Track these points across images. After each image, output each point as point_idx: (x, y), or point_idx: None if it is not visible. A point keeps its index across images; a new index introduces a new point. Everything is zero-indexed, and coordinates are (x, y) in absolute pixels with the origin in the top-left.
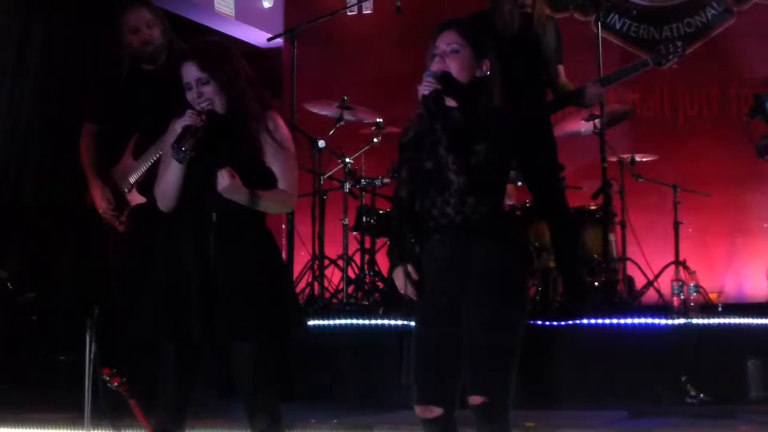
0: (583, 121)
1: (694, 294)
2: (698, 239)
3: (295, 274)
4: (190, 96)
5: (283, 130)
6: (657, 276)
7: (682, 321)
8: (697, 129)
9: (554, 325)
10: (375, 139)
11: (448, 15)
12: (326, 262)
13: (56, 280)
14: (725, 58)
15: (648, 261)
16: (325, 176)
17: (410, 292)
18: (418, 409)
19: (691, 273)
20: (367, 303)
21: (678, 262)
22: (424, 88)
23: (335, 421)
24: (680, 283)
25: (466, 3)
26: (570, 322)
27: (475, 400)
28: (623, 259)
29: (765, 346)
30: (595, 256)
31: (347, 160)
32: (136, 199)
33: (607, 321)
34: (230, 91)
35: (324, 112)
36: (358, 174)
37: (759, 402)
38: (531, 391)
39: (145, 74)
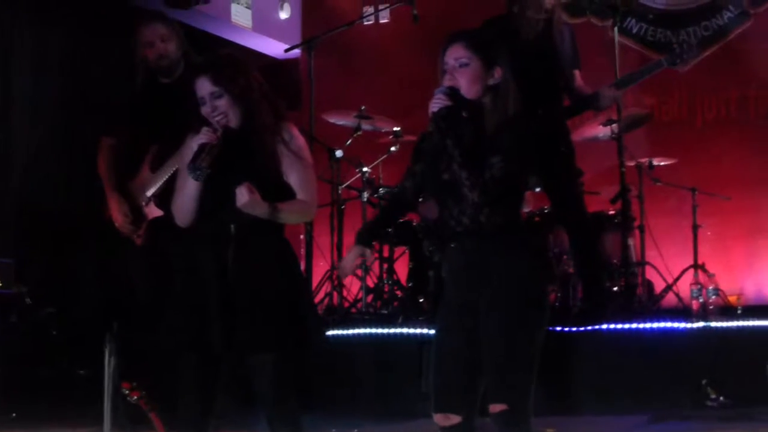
0: (600, 126)
1: (714, 297)
2: (717, 242)
3: (314, 284)
4: (205, 110)
5: (299, 140)
6: (676, 280)
7: (701, 324)
8: (715, 132)
9: (574, 331)
10: (393, 148)
11: (464, 22)
12: None
13: (76, 294)
14: (743, 60)
15: (667, 265)
16: (343, 186)
17: (347, 268)
18: (436, 417)
19: (710, 276)
20: (386, 312)
21: (697, 266)
22: (435, 105)
23: (356, 430)
24: (699, 286)
25: (483, 9)
26: (590, 327)
27: (496, 407)
28: (642, 263)
29: None
30: (614, 260)
31: (365, 169)
32: (154, 212)
33: (627, 326)
34: (244, 104)
35: (342, 122)
36: (376, 183)
37: None
38: (551, 397)
39: (162, 87)
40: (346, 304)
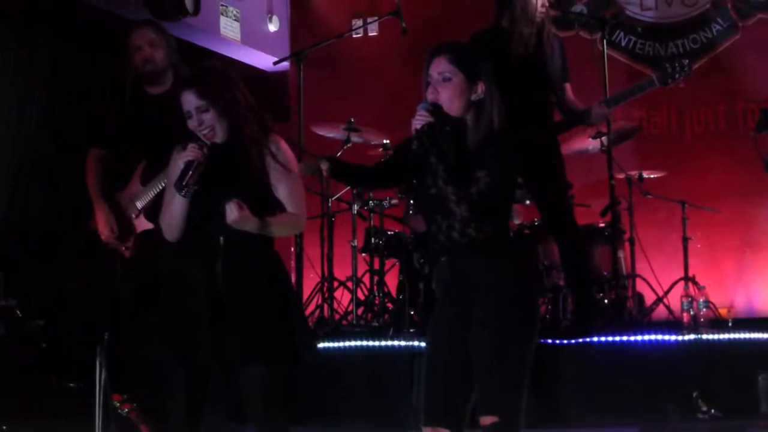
0: (590, 139)
1: (704, 309)
2: (707, 255)
3: (305, 296)
4: (192, 124)
5: (287, 152)
6: (666, 292)
7: (692, 337)
8: (704, 144)
9: (564, 343)
10: (382, 161)
11: (454, 36)
12: (335, 283)
13: (65, 307)
14: (731, 73)
15: (657, 277)
16: (333, 198)
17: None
18: (426, 431)
19: (701, 288)
20: (376, 324)
21: (687, 278)
22: (417, 122)
23: None
24: (690, 298)
25: (472, 23)
26: (580, 339)
27: (486, 420)
28: (632, 275)
29: None
30: (605, 273)
31: None
32: (144, 224)
33: (617, 338)
34: (230, 117)
35: (331, 134)
36: (365, 195)
37: None
38: (541, 409)
39: (152, 98)
40: (337, 317)
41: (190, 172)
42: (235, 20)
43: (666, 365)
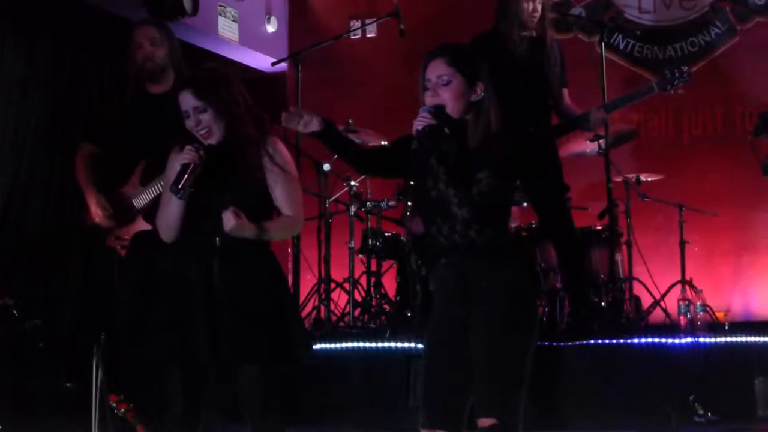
0: (588, 142)
1: (701, 313)
2: (704, 258)
3: (302, 297)
4: (189, 124)
5: (284, 154)
6: (663, 295)
7: (689, 340)
8: (702, 148)
9: (561, 346)
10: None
11: (451, 37)
12: (332, 285)
13: (62, 306)
14: (729, 76)
15: (654, 280)
16: (331, 199)
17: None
18: None
19: (698, 292)
20: (373, 326)
21: (684, 282)
22: (419, 124)
23: None
24: (687, 302)
25: (470, 25)
26: (577, 342)
27: (484, 422)
28: (629, 278)
29: None
30: (602, 276)
31: (352, 183)
32: (141, 225)
33: (614, 341)
34: (228, 118)
35: None
36: (363, 197)
37: (767, 420)
38: (539, 412)
39: (153, 97)
40: (334, 318)
41: (186, 175)
42: (233, 21)
43: (662, 368)
